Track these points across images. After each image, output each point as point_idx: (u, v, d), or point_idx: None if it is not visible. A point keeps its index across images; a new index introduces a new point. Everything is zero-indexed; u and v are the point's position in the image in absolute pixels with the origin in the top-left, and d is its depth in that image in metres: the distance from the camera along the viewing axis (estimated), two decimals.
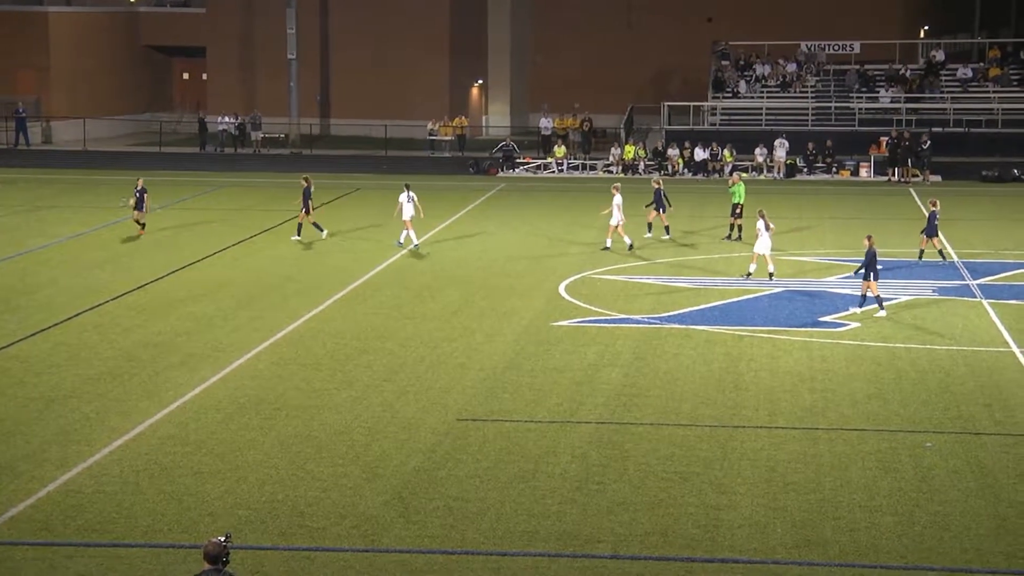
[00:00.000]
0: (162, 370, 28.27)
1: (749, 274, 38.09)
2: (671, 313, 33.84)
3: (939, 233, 40.55)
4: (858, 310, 33.72)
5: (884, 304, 33.56)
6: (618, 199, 42.41)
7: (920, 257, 40.72)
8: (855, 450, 23.22)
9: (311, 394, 26.54)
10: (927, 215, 40.63)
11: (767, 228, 37.67)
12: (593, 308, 34.41)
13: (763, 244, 37.68)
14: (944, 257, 40.67)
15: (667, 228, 44.92)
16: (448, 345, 30.50)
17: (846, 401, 26.18)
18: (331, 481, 21.63)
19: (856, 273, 34.49)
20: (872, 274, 33.42)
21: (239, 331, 31.78)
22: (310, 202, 43.83)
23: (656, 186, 44.55)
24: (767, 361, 29.18)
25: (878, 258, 33.92)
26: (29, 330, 31.79)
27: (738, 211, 44.41)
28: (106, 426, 24.39)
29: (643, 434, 24.12)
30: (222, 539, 14.14)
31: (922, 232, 40.71)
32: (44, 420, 24.81)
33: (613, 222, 42.53)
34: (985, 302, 35.10)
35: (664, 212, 44.51)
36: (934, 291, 36.51)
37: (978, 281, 37.79)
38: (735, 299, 35.54)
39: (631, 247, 42.79)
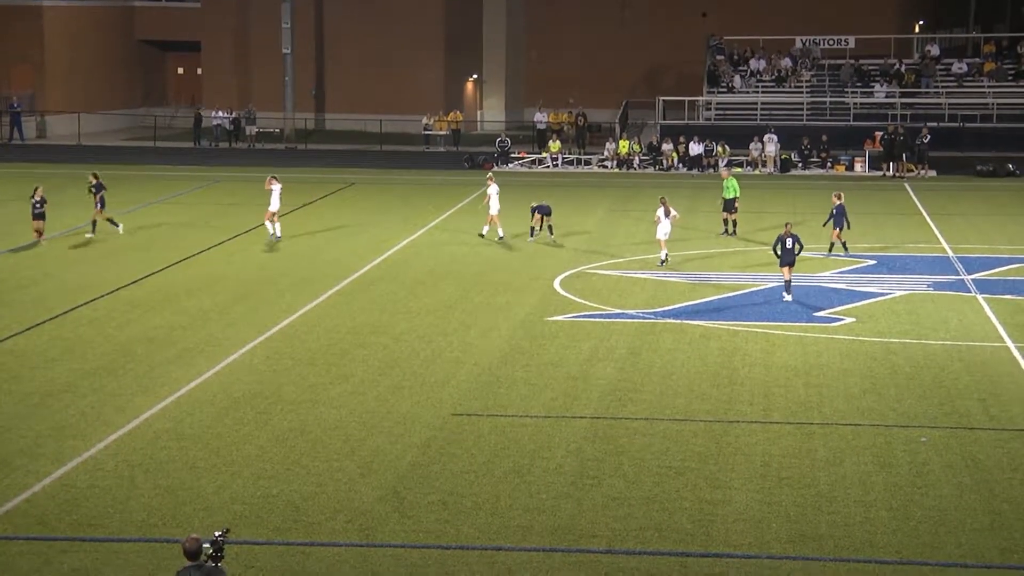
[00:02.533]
0: (157, 365, 28.26)
1: (663, 261, 39.22)
2: (666, 308, 33.86)
3: (843, 226, 40.47)
4: (787, 295, 34.80)
5: (790, 291, 34.83)
6: (494, 188, 43.40)
7: (830, 250, 40.71)
8: (850, 445, 23.24)
9: (306, 389, 26.54)
10: (833, 208, 40.33)
11: (667, 215, 39.28)
12: (588, 303, 34.42)
13: (663, 230, 39.26)
14: (830, 250, 40.59)
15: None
16: (443, 340, 30.51)
17: (841, 396, 26.20)
18: (326, 476, 21.63)
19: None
20: (783, 260, 34.63)
21: (234, 326, 31.78)
22: (103, 195, 43.73)
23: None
24: (761, 356, 29.20)
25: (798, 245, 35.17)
26: (24, 324, 31.77)
27: (733, 206, 44.43)
28: (101, 421, 24.39)
29: (638, 429, 24.14)
30: (218, 533, 14.18)
31: (835, 226, 40.45)
32: (39, 415, 24.80)
33: (492, 211, 43.47)
34: (980, 297, 35.12)
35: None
36: (929, 286, 36.53)
37: (973, 276, 37.80)
38: (729, 294, 35.55)
39: (501, 238, 43.56)
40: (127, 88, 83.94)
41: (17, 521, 19.75)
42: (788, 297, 34.63)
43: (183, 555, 14.09)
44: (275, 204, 43.03)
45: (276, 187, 43.07)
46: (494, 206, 43.48)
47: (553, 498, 20.70)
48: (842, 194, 41.01)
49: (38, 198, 42.21)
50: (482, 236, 43.91)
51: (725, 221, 44.84)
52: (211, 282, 36.88)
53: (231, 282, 36.93)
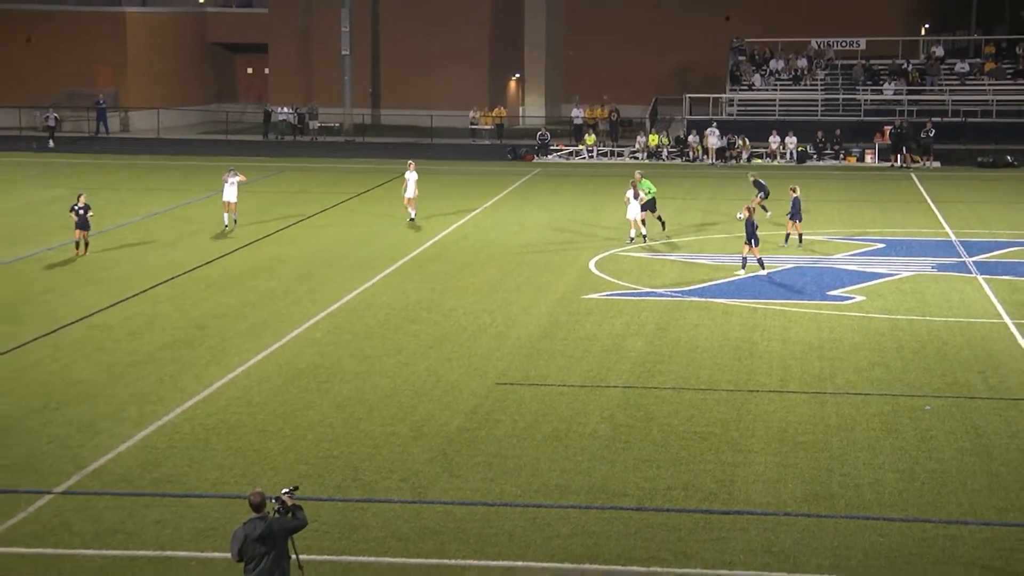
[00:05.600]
0: (229, 338, 28.39)
1: (632, 239, 39.77)
2: (692, 287, 33.77)
3: (801, 218, 39.27)
4: (742, 271, 35.26)
5: (745, 267, 35.35)
6: (413, 175, 43.52)
7: (787, 240, 39.58)
8: (860, 412, 23.17)
9: (363, 360, 26.62)
10: (791, 200, 39.15)
11: (636, 196, 39.45)
12: (620, 283, 34.37)
13: (633, 210, 39.56)
14: (800, 241, 39.34)
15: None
16: (488, 316, 30.53)
17: (852, 368, 26.10)
18: (382, 439, 21.70)
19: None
20: (753, 240, 34.80)
21: (298, 303, 31.88)
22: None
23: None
24: (779, 331, 29.11)
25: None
26: (109, 301, 31.97)
27: (653, 206, 41.54)
28: (178, 388, 24.53)
29: (666, 397, 24.12)
30: (285, 491, 14.30)
31: (793, 218, 39.24)
32: (123, 383, 24.97)
33: (408, 194, 43.68)
34: (980, 277, 34.91)
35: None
36: (933, 267, 36.34)
37: (974, 258, 37.57)
38: (750, 274, 35.41)
39: (412, 219, 43.88)
40: (201, 86, 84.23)
41: (104, 478, 19.92)
42: (749, 272, 35.06)
43: (249, 508, 14.22)
44: (233, 195, 42.36)
45: (236, 179, 42.49)
46: (410, 190, 43.58)
47: (588, 460, 20.72)
48: (798, 187, 40.00)
49: (81, 204, 37.64)
50: (412, 220, 43.89)
51: (659, 219, 41.93)
52: (277, 263, 37.00)
53: (295, 263, 37.03)
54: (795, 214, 39.10)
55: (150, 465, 20.47)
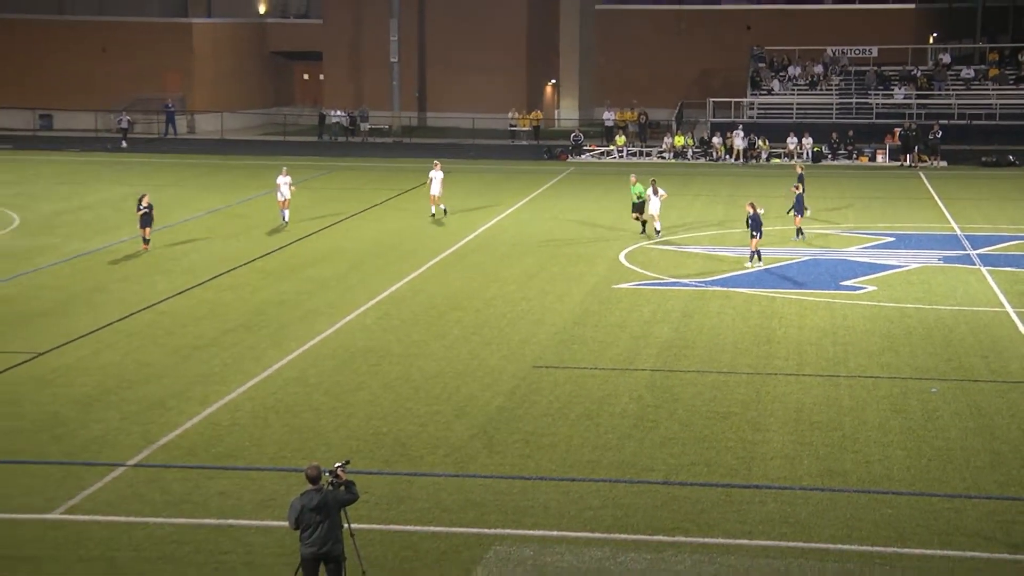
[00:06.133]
0: (286, 324, 28.50)
1: (657, 231, 39.61)
2: (714, 277, 33.69)
3: (802, 213, 38.85)
4: (759, 263, 34.96)
5: (761, 258, 35.11)
6: (439, 174, 43.25)
7: (798, 235, 39.00)
8: (871, 394, 23.08)
9: (410, 344, 26.68)
10: (794, 197, 38.86)
11: (656, 194, 39.16)
12: (648, 273, 34.31)
13: (654, 206, 39.29)
14: (797, 235, 38.86)
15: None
16: (526, 304, 30.54)
17: (863, 353, 25.99)
18: (427, 417, 21.75)
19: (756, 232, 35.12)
20: (758, 233, 34.75)
21: (350, 291, 31.97)
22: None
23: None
24: (796, 319, 29.01)
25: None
26: (176, 289, 32.15)
27: (644, 208, 40.37)
28: (240, 370, 24.66)
29: (690, 380, 24.08)
30: (338, 465, 14.35)
31: (796, 213, 38.84)
32: (189, 364, 25.12)
33: (433, 192, 43.30)
34: (983, 269, 34.67)
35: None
36: (940, 260, 36.11)
37: (978, 251, 37.32)
38: (769, 266, 35.29)
39: (446, 212, 43.64)
40: (261, 91, 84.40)
41: (172, 452, 20.06)
42: (759, 264, 34.86)
43: (306, 480, 14.28)
44: (287, 194, 41.93)
45: (287, 180, 41.94)
46: (435, 188, 43.21)
47: (618, 438, 20.72)
48: (800, 185, 39.61)
49: (145, 203, 37.03)
50: (433, 216, 43.57)
51: (638, 220, 40.69)
52: (331, 254, 37.10)
53: (348, 254, 37.13)
54: (799, 209, 38.97)
55: (214, 440, 20.60)
